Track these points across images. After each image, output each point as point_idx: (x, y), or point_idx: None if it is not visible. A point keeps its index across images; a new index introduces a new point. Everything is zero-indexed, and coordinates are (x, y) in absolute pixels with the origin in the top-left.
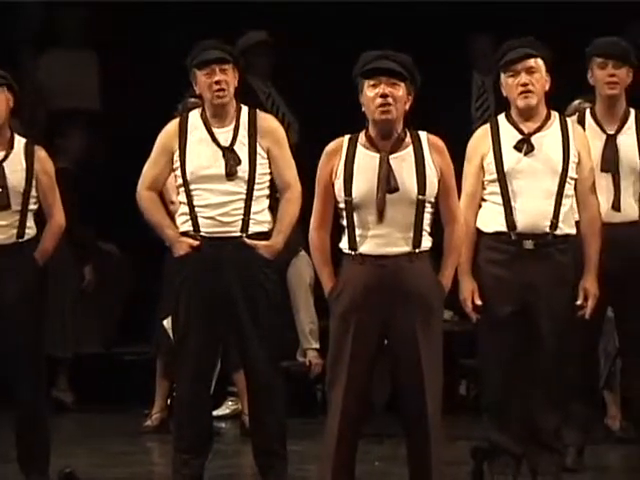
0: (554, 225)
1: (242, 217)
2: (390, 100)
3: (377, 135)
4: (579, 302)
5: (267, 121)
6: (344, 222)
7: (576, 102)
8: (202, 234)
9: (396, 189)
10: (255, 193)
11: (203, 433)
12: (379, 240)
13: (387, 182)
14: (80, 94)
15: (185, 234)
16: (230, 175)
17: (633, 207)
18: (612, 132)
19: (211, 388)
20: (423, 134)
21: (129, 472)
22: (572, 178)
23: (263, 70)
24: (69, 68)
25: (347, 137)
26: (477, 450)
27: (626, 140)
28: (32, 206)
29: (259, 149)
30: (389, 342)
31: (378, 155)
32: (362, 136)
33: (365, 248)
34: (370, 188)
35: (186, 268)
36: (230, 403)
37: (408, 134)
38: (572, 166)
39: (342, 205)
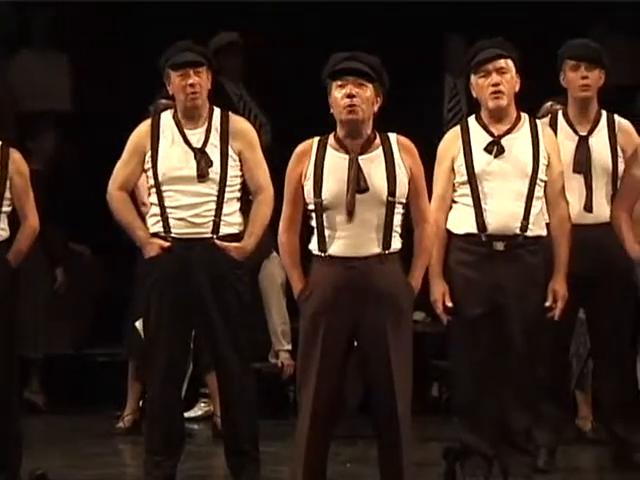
0: (524, 227)
1: (213, 219)
2: (356, 101)
3: (346, 136)
4: (548, 303)
5: (239, 123)
6: (314, 223)
7: (548, 104)
8: (173, 235)
9: (366, 190)
10: (226, 195)
11: (175, 435)
12: (349, 241)
13: (357, 183)
14: (51, 95)
15: (156, 235)
16: (201, 177)
17: (605, 209)
18: (584, 133)
19: (182, 389)
20: (393, 135)
21: (101, 474)
22: (542, 180)
23: (235, 71)
24: (40, 69)
25: (317, 139)
26: (449, 451)
27: (598, 141)
28: (6, 208)
29: (231, 151)
30: (359, 343)
31: (347, 156)
32: (331, 138)
33: (335, 249)
34: (340, 189)
35: (157, 269)
36: (202, 404)
37: (378, 135)
38: (542, 168)
39: (312, 207)
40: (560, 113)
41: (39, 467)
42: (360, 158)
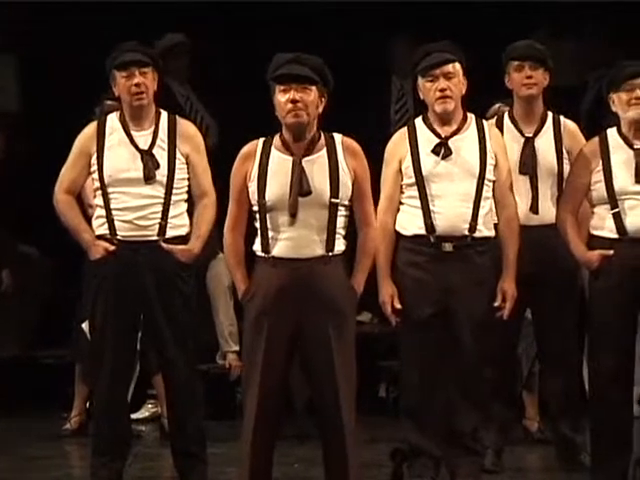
0: (473, 227)
1: (159, 221)
2: (300, 105)
3: (290, 138)
4: (497, 303)
5: (187, 127)
6: (258, 224)
7: (496, 105)
8: (118, 238)
9: (308, 192)
10: (173, 197)
11: (121, 436)
12: (292, 243)
13: (299, 185)
14: None
15: (101, 237)
16: (148, 179)
17: (550, 210)
18: (530, 135)
19: (130, 391)
20: (338, 137)
21: (48, 476)
22: (490, 180)
23: (181, 72)
24: None
25: (262, 140)
26: (396, 452)
27: (544, 143)
28: None
29: (178, 154)
30: (302, 346)
31: (291, 158)
32: (277, 139)
33: (278, 251)
34: (283, 191)
35: (102, 271)
36: (150, 406)
37: (322, 137)
38: (489, 168)
39: (256, 208)
40: (506, 114)
41: None
42: (304, 160)
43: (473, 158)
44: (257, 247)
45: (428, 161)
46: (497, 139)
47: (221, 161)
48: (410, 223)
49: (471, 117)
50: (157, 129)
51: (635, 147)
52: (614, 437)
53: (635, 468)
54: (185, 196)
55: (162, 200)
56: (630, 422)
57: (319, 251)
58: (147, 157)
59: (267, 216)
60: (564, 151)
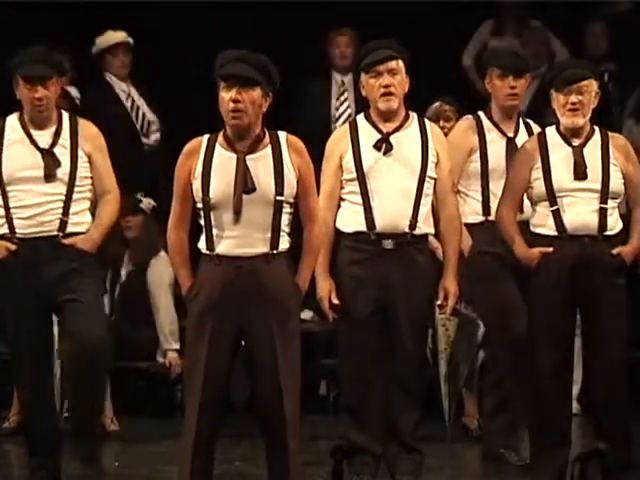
0: (413, 225)
1: (60, 217)
2: (241, 106)
3: (233, 136)
4: (439, 302)
5: (88, 127)
6: (202, 222)
7: (437, 104)
8: (18, 236)
9: (253, 189)
10: (75, 195)
11: (51, 434)
12: (236, 241)
13: (244, 182)
14: None
15: (1, 237)
16: (49, 177)
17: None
18: (511, 135)
19: (54, 388)
20: (282, 134)
21: None
22: (431, 177)
23: (122, 70)
24: None
25: (206, 137)
26: (337, 450)
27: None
28: None
29: (81, 153)
30: (246, 344)
31: (235, 155)
32: (221, 136)
33: (222, 249)
34: (227, 189)
35: (5, 271)
36: None
37: (267, 134)
38: (431, 166)
39: (200, 205)
40: (483, 115)
41: None
42: (248, 157)
43: (415, 154)
44: (202, 245)
45: (369, 156)
46: (439, 138)
47: (167, 158)
48: (350, 220)
49: (413, 115)
50: (59, 129)
51: (573, 145)
52: (553, 434)
53: (574, 465)
54: (88, 194)
55: (63, 197)
56: (569, 419)
57: (264, 249)
58: (48, 155)
59: (211, 214)
60: None
